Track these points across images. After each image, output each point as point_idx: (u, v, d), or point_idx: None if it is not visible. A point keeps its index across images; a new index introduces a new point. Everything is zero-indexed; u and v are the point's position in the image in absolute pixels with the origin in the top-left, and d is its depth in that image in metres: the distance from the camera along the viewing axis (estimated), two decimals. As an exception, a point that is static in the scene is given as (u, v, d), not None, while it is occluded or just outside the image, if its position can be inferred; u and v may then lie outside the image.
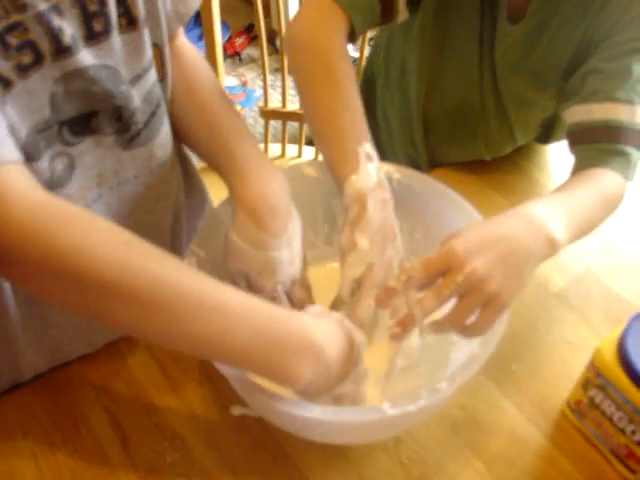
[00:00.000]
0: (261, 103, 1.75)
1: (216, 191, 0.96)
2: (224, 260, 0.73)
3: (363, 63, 1.52)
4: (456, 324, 0.65)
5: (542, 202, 0.72)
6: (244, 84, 2.79)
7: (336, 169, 0.75)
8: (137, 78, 0.68)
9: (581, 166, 0.82)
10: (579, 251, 0.96)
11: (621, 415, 0.68)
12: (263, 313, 0.58)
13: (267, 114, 1.65)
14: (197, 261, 0.72)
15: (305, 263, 0.76)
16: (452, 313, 0.64)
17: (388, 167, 0.81)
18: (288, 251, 0.72)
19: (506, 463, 0.72)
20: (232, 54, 2.88)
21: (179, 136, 0.80)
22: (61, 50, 0.58)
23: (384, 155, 0.80)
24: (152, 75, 0.70)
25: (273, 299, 0.71)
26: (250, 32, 2.93)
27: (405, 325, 0.65)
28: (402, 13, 0.90)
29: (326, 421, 0.61)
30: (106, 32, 0.62)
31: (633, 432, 0.67)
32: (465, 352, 0.71)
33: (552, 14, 0.87)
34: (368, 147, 0.75)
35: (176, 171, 0.82)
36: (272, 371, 0.59)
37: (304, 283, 0.76)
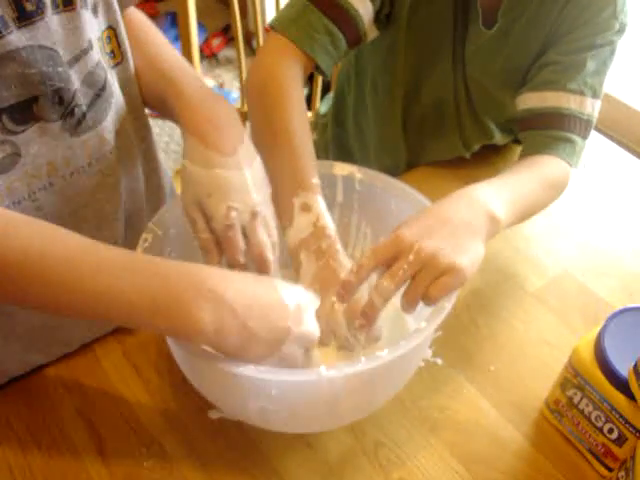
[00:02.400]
0: (238, 105, 1.74)
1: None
2: (181, 199, 0.70)
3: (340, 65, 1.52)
4: (411, 298, 0.65)
5: (484, 184, 0.75)
6: (221, 85, 2.78)
7: (278, 220, 0.74)
8: (75, 59, 0.66)
9: (529, 151, 0.87)
10: (556, 251, 0.97)
11: (598, 414, 0.68)
12: (147, 268, 0.57)
13: (244, 115, 1.65)
14: (152, 238, 0.71)
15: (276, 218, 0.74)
16: (406, 290, 0.65)
17: (350, 168, 0.81)
18: (239, 174, 0.69)
19: (485, 464, 0.72)
20: (209, 55, 2.87)
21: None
22: None
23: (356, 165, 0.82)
24: (93, 56, 0.68)
25: (228, 232, 0.68)
26: (227, 33, 2.92)
27: (367, 314, 0.66)
28: (371, 32, 0.91)
29: (260, 380, 0.60)
30: (39, 11, 0.60)
31: (610, 430, 0.67)
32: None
33: (517, 18, 0.90)
34: (308, 196, 0.74)
35: (134, 158, 0.81)
36: (170, 324, 0.57)
37: (267, 224, 0.71)
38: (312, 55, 0.84)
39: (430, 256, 0.64)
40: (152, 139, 0.87)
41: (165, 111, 0.76)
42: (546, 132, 0.87)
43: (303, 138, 0.77)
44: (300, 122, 0.79)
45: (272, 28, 0.86)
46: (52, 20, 0.62)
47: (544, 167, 0.84)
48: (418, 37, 0.96)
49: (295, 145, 0.76)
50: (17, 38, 0.59)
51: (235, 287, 0.58)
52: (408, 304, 0.66)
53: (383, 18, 0.92)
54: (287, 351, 0.60)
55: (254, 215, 0.69)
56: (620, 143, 1.22)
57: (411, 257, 0.64)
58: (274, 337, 0.59)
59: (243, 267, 0.69)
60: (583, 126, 0.86)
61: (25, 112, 0.63)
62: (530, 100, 0.89)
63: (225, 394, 0.69)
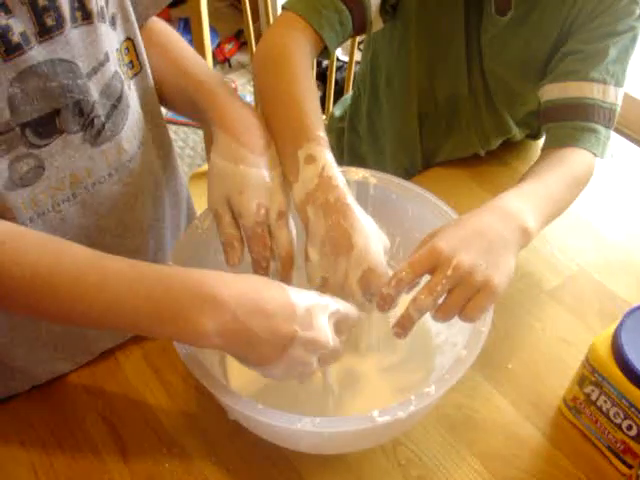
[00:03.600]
0: (252, 108, 1.74)
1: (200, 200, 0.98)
2: (208, 195, 0.71)
3: (353, 66, 1.53)
4: (447, 314, 0.65)
5: (515, 194, 0.74)
6: (234, 90, 2.79)
7: (285, 177, 0.72)
8: (94, 71, 0.67)
9: (553, 143, 0.86)
10: (572, 249, 0.96)
11: (617, 411, 0.68)
12: (151, 277, 0.58)
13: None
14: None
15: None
16: (443, 305, 0.65)
17: (364, 172, 0.81)
18: (270, 174, 0.70)
19: (504, 461, 0.72)
20: (222, 60, 2.88)
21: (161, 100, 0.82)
22: (11, 49, 0.58)
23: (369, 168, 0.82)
24: (110, 68, 0.70)
25: (257, 229, 0.68)
26: (239, 38, 2.93)
27: (404, 326, 0.66)
28: (376, 23, 0.91)
29: (314, 432, 0.60)
30: (59, 26, 0.61)
31: (629, 427, 0.67)
32: (449, 356, 0.72)
33: (534, 5, 0.89)
34: (312, 147, 0.70)
35: (153, 166, 0.82)
36: (175, 330, 0.57)
37: (288, 226, 0.71)
38: (318, 30, 0.83)
39: (467, 272, 0.63)
40: (171, 146, 0.89)
41: (193, 113, 0.78)
42: (569, 123, 0.85)
43: (307, 94, 0.76)
44: (304, 82, 0.78)
45: (283, 8, 0.86)
46: (71, 34, 0.63)
47: (571, 164, 0.83)
48: (429, 28, 0.96)
49: (299, 100, 0.75)
50: (38, 53, 0.60)
51: (238, 291, 0.58)
52: (442, 318, 0.65)
53: (389, 9, 0.93)
54: (295, 355, 0.59)
55: (281, 214, 0.70)
56: (632, 139, 1.22)
57: (449, 272, 0.63)
58: (278, 340, 0.59)
59: (267, 266, 0.70)
60: (607, 116, 0.85)
61: (48, 126, 0.65)
62: (552, 91, 0.89)
63: (275, 439, 0.70)
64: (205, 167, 1.61)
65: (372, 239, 0.68)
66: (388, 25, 0.95)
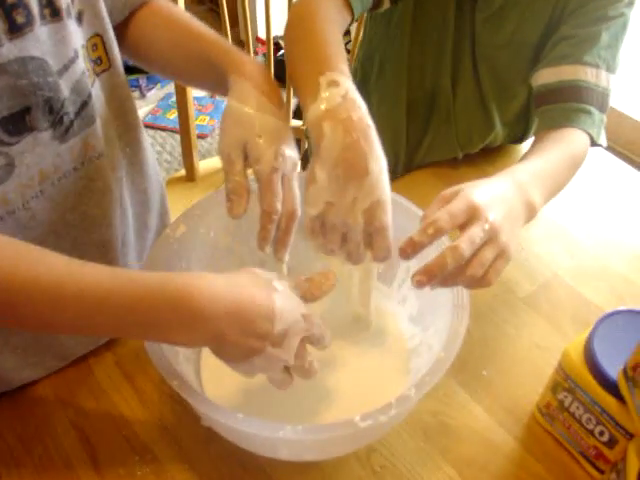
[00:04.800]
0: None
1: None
2: (221, 140, 0.69)
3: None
4: (476, 273, 0.62)
5: (522, 169, 0.74)
6: (212, 95, 2.78)
7: (301, 104, 0.70)
8: (65, 68, 0.67)
9: (548, 125, 0.88)
10: (546, 256, 0.97)
11: (589, 417, 0.68)
12: (131, 288, 0.56)
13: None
14: None
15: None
16: (472, 263, 0.62)
17: None
18: (287, 126, 0.69)
19: (478, 468, 0.73)
20: (200, 65, 2.87)
21: (168, 70, 0.83)
22: None
23: None
24: (80, 65, 0.69)
25: (273, 176, 0.66)
26: (218, 43, 2.92)
27: (433, 272, 0.62)
28: (385, 2, 0.93)
29: (295, 440, 0.60)
30: (29, 23, 0.61)
31: (601, 433, 0.68)
32: (425, 358, 0.72)
33: None
34: (335, 74, 0.67)
35: (119, 162, 0.81)
36: (153, 336, 0.60)
37: (297, 181, 0.70)
38: None
39: (497, 231, 0.63)
40: (140, 144, 0.87)
41: (209, 73, 0.76)
42: (564, 105, 0.87)
43: (332, 32, 0.75)
44: (331, 25, 0.76)
45: None
46: (41, 31, 0.62)
47: (570, 143, 0.84)
48: (424, 10, 0.98)
49: (324, 37, 0.73)
50: (8, 50, 0.60)
51: (221, 303, 0.57)
52: (472, 275, 0.62)
53: None
54: (257, 364, 0.60)
55: (295, 166, 0.69)
56: (608, 148, 1.23)
57: (487, 226, 0.62)
58: (245, 350, 0.59)
59: (275, 220, 0.68)
60: (600, 99, 0.87)
61: (19, 123, 0.64)
62: (546, 75, 0.91)
63: (254, 447, 0.69)
64: (182, 172, 1.60)
65: (386, 172, 0.65)
66: (389, 7, 0.96)
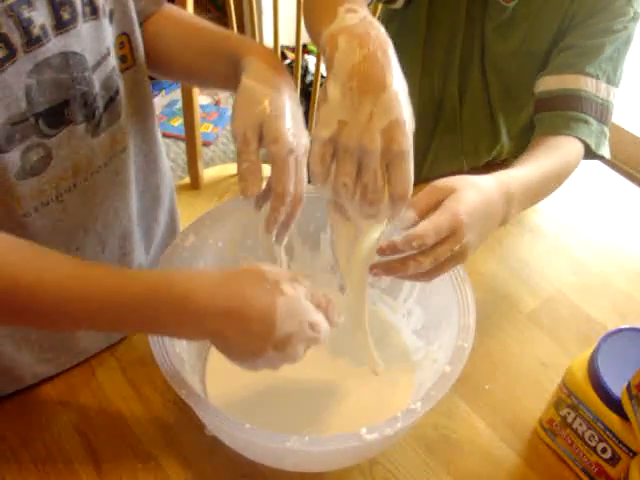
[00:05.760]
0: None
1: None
2: (234, 119, 0.66)
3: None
4: (431, 277, 0.67)
5: (518, 179, 0.75)
6: (217, 103, 2.79)
7: (315, 35, 0.67)
8: (98, 64, 0.70)
9: (545, 132, 0.89)
10: (550, 272, 0.97)
11: (592, 434, 0.69)
12: (135, 289, 0.58)
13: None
14: None
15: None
16: (432, 270, 0.66)
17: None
18: (300, 110, 0.69)
19: (480, 482, 0.73)
20: (205, 73, 2.88)
21: (176, 68, 0.84)
22: (31, 41, 0.60)
23: None
24: (111, 62, 0.72)
25: (290, 157, 0.64)
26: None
27: (389, 272, 0.66)
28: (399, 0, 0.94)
29: (301, 451, 0.60)
30: (73, 20, 0.64)
31: (604, 450, 0.68)
32: (429, 372, 0.72)
33: None
34: (354, 5, 0.63)
35: (139, 157, 0.84)
36: (159, 333, 0.64)
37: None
38: None
39: (464, 252, 0.66)
40: (156, 141, 0.89)
41: (219, 63, 0.76)
42: (562, 113, 0.89)
43: None
44: None
45: None
46: (82, 28, 0.66)
47: (563, 151, 0.86)
48: (436, 17, 0.99)
49: None
50: (54, 45, 0.63)
51: (223, 305, 0.58)
52: (426, 279, 0.67)
53: None
54: (259, 363, 0.61)
55: (306, 150, 0.66)
56: (610, 164, 1.24)
57: (456, 248, 0.64)
58: (248, 352, 0.60)
59: (286, 200, 0.66)
60: (598, 110, 0.89)
61: (58, 116, 0.67)
62: (548, 83, 0.92)
63: (260, 457, 0.70)
64: (187, 180, 1.61)
65: (407, 94, 0.59)
66: (403, 10, 0.98)
